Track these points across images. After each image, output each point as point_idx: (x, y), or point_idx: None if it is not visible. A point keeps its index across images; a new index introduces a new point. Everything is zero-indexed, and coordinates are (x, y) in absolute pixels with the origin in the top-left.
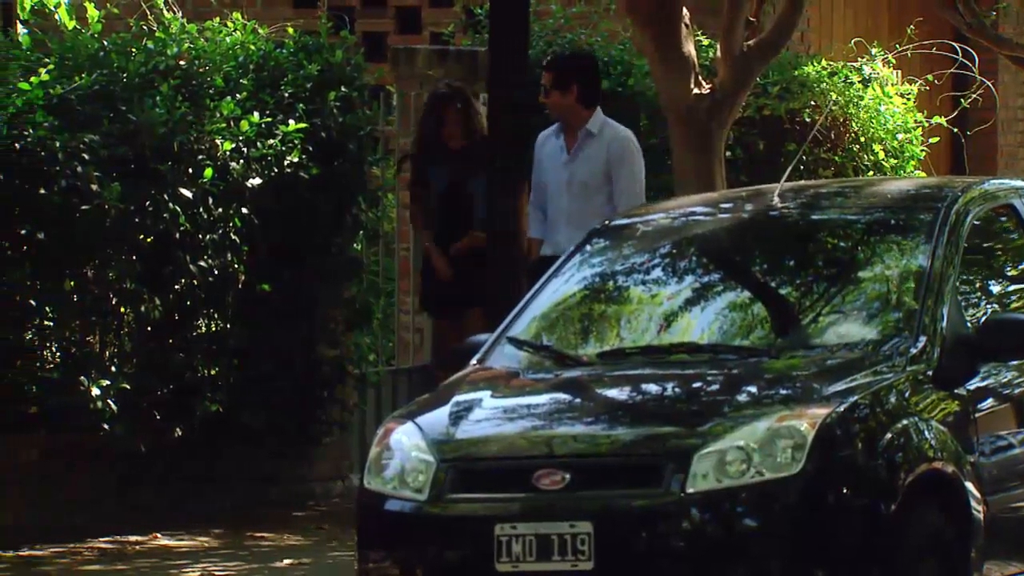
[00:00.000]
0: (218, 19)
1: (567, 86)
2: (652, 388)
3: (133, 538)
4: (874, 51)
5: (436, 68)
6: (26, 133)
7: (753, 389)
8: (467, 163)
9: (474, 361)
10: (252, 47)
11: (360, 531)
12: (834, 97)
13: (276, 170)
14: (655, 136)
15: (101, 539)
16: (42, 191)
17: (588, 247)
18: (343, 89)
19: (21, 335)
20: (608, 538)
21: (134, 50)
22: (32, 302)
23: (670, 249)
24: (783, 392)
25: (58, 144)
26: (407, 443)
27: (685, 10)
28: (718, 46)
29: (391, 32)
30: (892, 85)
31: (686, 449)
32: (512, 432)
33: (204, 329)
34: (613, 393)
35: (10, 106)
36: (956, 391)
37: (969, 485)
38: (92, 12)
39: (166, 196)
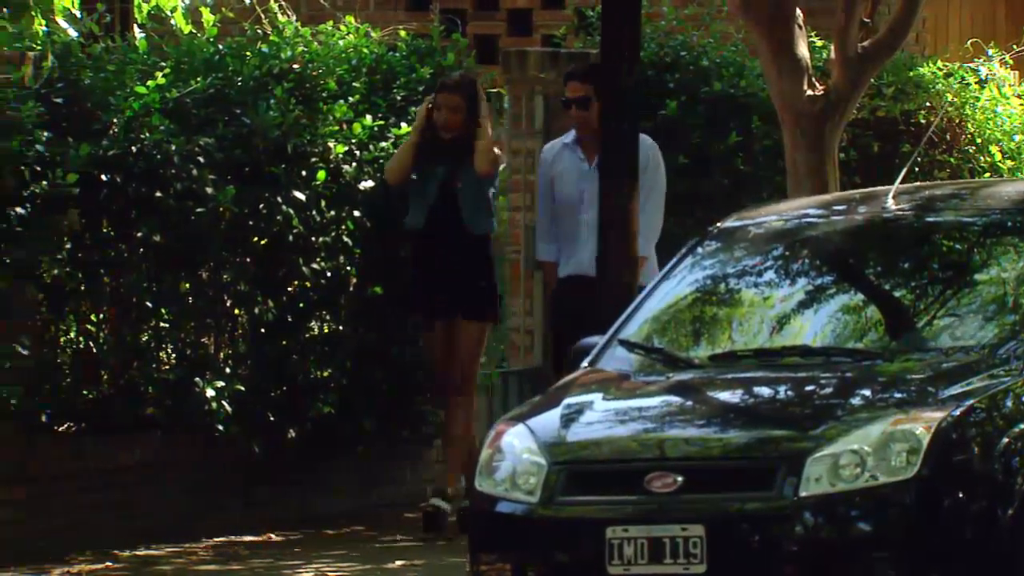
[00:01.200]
0: (331, 22)
1: (599, 97)
2: (764, 391)
3: (247, 538)
4: (991, 51)
5: (548, 71)
6: (143, 137)
7: (867, 392)
8: (460, 156)
9: (585, 363)
10: (365, 50)
11: (472, 533)
12: (949, 98)
13: None
14: (768, 138)
15: (215, 539)
16: (158, 194)
17: (700, 249)
18: None
19: (138, 337)
20: (720, 541)
21: (249, 54)
22: (149, 304)
23: (783, 251)
24: (897, 395)
25: (174, 147)
26: (518, 445)
27: (799, 11)
28: (832, 47)
29: (503, 35)
30: (1009, 86)
31: (799, 452)
32: (624, 435)
33: (317, 331)
34: (725, 396)
35: (127, 110)
36: None
37: None
38: (207, 16)
39: (279, 199)
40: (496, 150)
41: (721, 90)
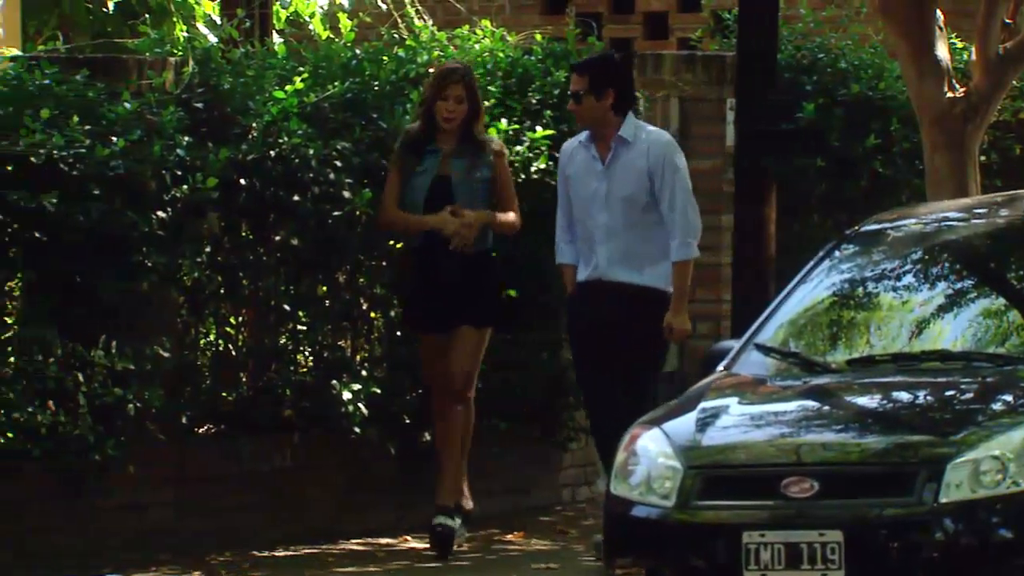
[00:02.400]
0: (467, 26)
1: (603, 91)
2: (903, 396)
3: (383, 540)
4: None
5: (683, 74)
6: (281, 141)
7: (1008, 397)
8: (458, 149)
9: (720, 367)
10: (500, 54)
11: (607, 536)
12: None
13: (523, 176)
14: (908, 141)
15: (352, 541)
16: (296, 198)
17: (837, 253)
18: None
19: (276, 339)
20: (859, 547)
21: (385, 58)
22: (286, 307)
23: (922, 255)
24: None
25: (311, 151)
26: (653, 449)
27: (939, 12)
28: (973, 49)
29: (638, 38)
30: None
31: (939, 458)
32: (760, 439)
33: None
34: (863, 401)
35: (266, 114)
36: None
37: None
38: (345, 22)
39: None
40: (512, 221)
41: (860, 92)
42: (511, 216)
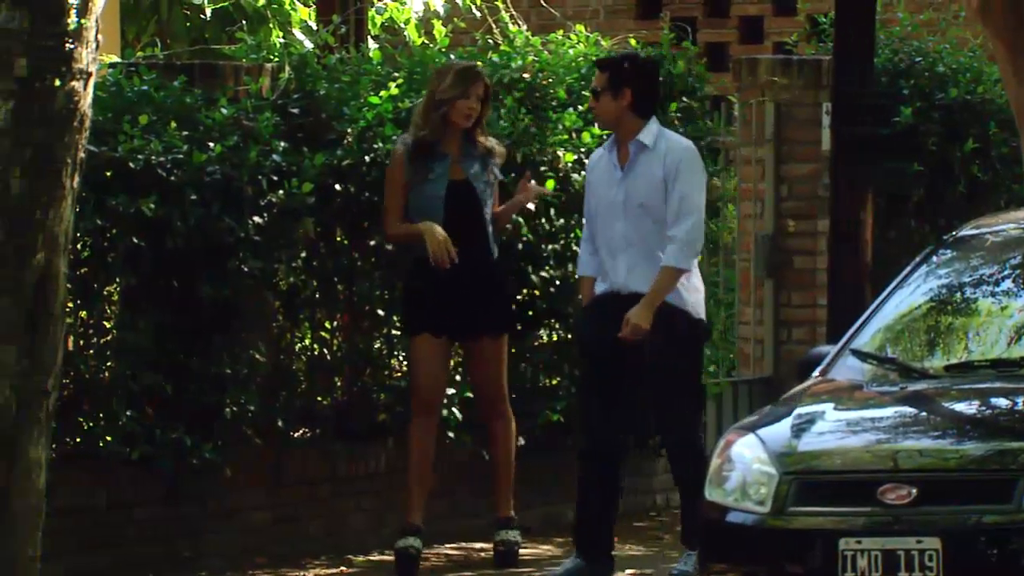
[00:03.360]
0: (561, 31)
1: (619, 90)
2: (1002, 402)
3: (478, 544)
4: None
5: (779, 78)
6: (376, 146)
7: None
8: (468, 152)
9: (816, 373)
10: (595, 59)
11: (701, 542)
12: None
13: None
14: (1006, 145)
15: (448, 545)
16: None
17: (935, 258)
18: (684, 100)
19: (370, 344)
20: (957, 555)
21: (479, 64)
22: (380, 311)
23: (1021, 260)
24: None
25: None
26: (748, 455)
27: None
28: None
29: (733, 42)
30: None
31: None
32: (856, 445)
33: (545, 339)
34: (961, 407)
35: (360, 120)
36: None
37: None
38: (439, 28)
39: None
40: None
41: (957, 96)
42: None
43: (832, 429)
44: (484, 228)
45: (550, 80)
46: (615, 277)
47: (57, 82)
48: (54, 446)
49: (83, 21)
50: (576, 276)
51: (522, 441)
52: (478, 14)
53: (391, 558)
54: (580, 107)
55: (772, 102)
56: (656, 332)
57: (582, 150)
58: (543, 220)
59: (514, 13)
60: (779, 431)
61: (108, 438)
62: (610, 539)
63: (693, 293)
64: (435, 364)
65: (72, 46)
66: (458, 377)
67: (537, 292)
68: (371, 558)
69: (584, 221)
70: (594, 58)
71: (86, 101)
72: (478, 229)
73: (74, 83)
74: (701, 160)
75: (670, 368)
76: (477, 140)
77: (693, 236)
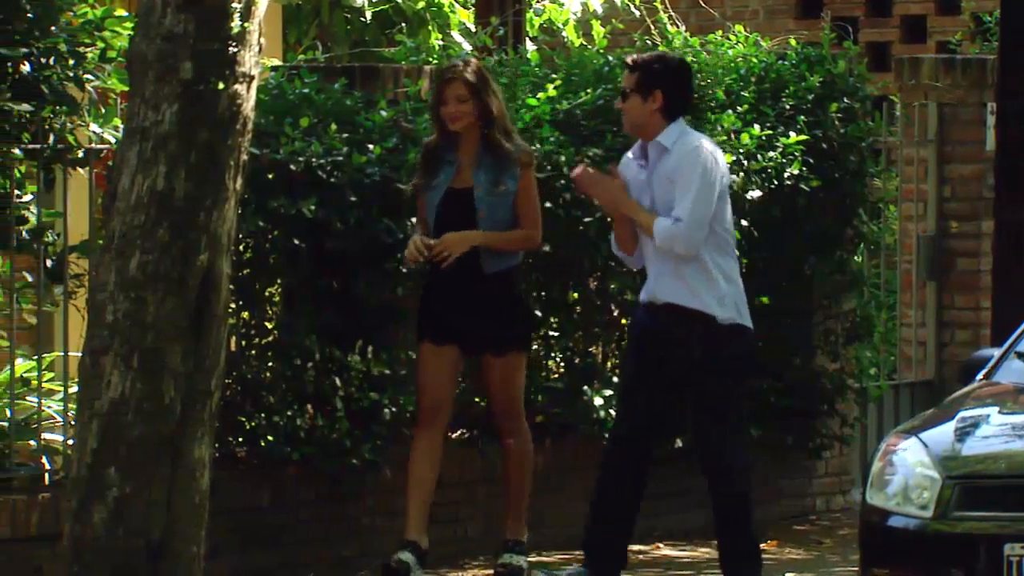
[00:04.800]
0: (720, 32)
1: (650, 91)
2: None
3: (636, 547)
4: None
5: (942, 78)
6: (533, 147)
7: None
8: (479, 159)
9: (980, 376)
10: (754, 59)
11: (863, 547)
12: None
13: (776, 182)
14: None
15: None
16: (548, 204)
17: None
18: (845, 100)
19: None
20: None
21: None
22: (537, 312)
23: None
24: None
25: (563, 158)
26: (911, 459)
27: None
28: None
29: (895, 41)
30: None
31: None
32: (1021, 449)
33: None
34: None
35: (519, 121)
36: None
37: None
38: (598, 29)
39: None
40: (525, 234)
41: None
42: (518, 234)
43: (996, 433)
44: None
45: (708, 81)
46: (649, 285)
47: (221, 85)
48: (217, 446)
49: (246, 25)
50: None
51: (679, 444)
52: (637, 14)
53: (548, 559)
54: (739, 108)
55: (935, 103)
56: (703, 341)
57: (740, 151)
58: None
59: (673, 14)
60: (942, 435)
61: (269, 438)
62: (623, 549)
63: (730, 307)
64: (437, 372)
65: (235, 50)
66: (614, 379)
67: None
68: (528, 558)
69: None
70: (627, 59)
71: (249, 104)
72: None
73: (237, 86)
74: (704, 159)
75: (719, 378)
76: (496, 145)
77: (686, 231)
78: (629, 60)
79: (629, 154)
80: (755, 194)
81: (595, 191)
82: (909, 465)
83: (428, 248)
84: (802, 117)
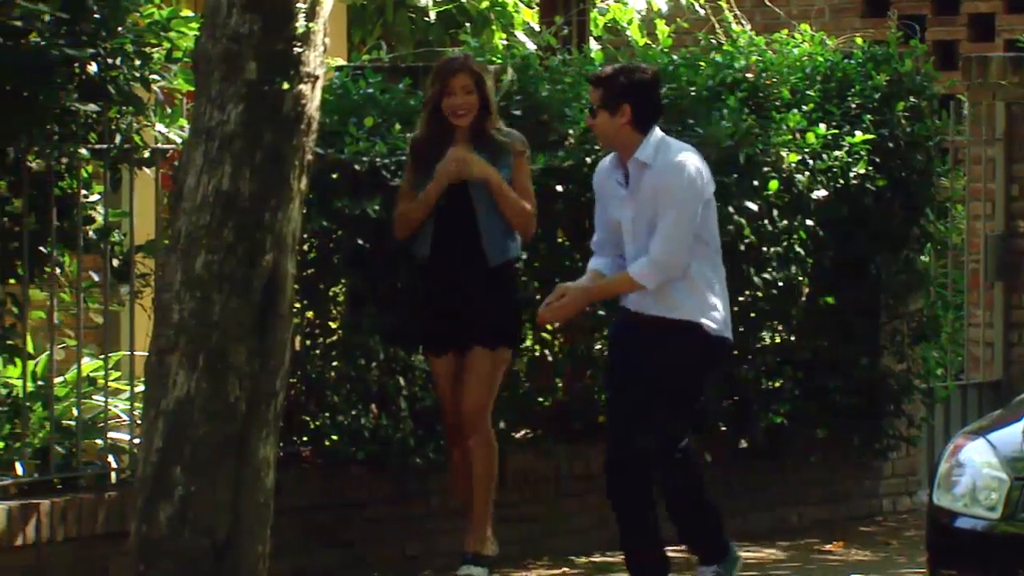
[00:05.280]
0: (786, 31)
1: (617, 106)
2: None
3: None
4: None
5: (1010, 76)
6: (596, 148)
7: None
8: (475, 151)
9: None
10: (819, 58)
11: (930, 548)
12: None
13: (841, 181)
14: None
15: (672, 548)
16: None
17: None
18: (912, 99)
19: (591, 344)
20: None
21: (702, 64)
22: (601, 312)
23: None
24: None
25: None
26: (978, 460)
27: None
28: None
29: (963, 40)
30: None
31: None
32: None
33: (768, 341)
34: None
35: (582, 121)
36: None
37: None
38: (662, 28)
39: (731, 208)
40: (526, 206)
41: None
42: (521, 204)
43: None
44: (478, 235)
45: (774, 80)
46: (628, 300)
47: (286, 85)
48: (281, 445)
49: (311, 25)
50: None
51: (744, 444)
52: (701, 12)
53: (613, 559)
54: (804, 107)
55: (1002, 101)
56: (676, 347)
57: (806, 151)
58: (765, 222)
59: (738, 13)
60: (1010, 435)
61: (334, 437)
62: (662, 560)
63: (710, 311)
64: (447, 388)
65: (300, 50)
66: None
67: (760, 294)
68: (593, 559)
69: (596, 230)
70: (591, 76)
71: (313, 104)
72: (472, 236)
73: (302, 86)
74: (689, 173)
75: (675, 379)
76: (490, 137)
77: (666, 258)
78: (593, 76)
79: (606, 163)
80: (821, 194)
81: (564, 318)
82: (977, 466)
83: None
84: (868, 116)
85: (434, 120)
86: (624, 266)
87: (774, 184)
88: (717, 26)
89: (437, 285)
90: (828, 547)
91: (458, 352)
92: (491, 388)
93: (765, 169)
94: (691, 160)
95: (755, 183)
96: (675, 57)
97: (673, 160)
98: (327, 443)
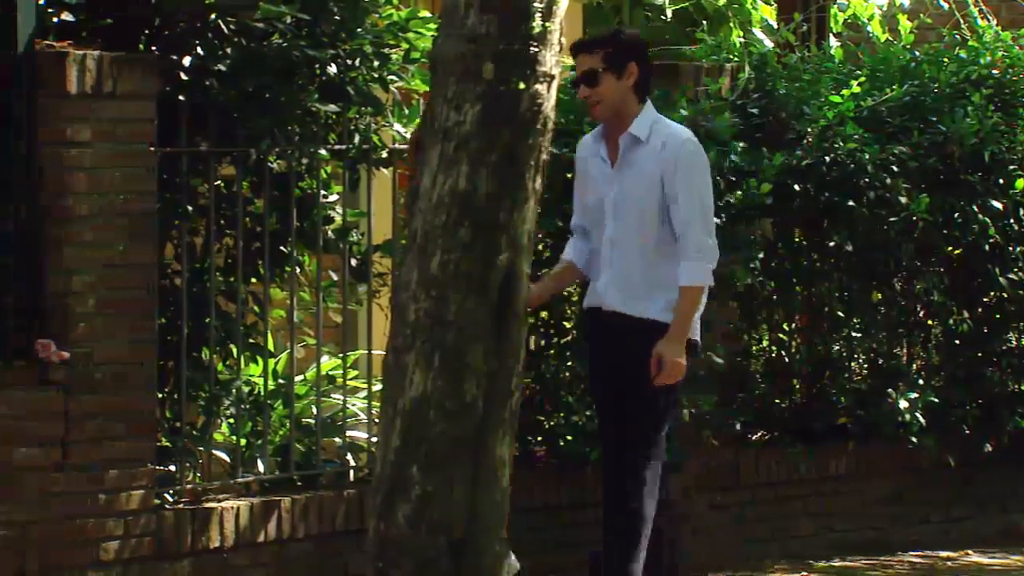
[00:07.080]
0: None
1: (624, 66)
2: None
3: (944, 554)
4: None
5: None
6: (836, 146)
7: None
8: None
9: None
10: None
11: None
12: None
13: None
14: None
15: (911, 553)
16: (851, 203)
17: None
18: None
19: (829, 346)
20: None
21: (946, 60)
22: (840, 313)
23: None
24: None
25: (867, 156)
26: None
27: None
28: None
29: None
30: None
31: None
32: None
33: (1013, 343)
34: None
35: (821, 119)
36: None
37: None
38: (904, 23)
39: (975, 207)
40: None
41: None
42: None
43: None
44: None
45: (1020, 76)
46: (596, 289)
47: (522, 85)
48: (516, 444)
49: (547, 24)
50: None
51: (988, 448)
52: (945, 7)
53: (852, 564)
54: None
55: None
56: (637, 349)
57: None
58: (1011, 221)
59: (983, 8)
60: None
61: (568, 437)
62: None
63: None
64: None
65: (536, 49)
66: (920, 381)
67: (1005, 295)
68: (832, 564)
69: (575, 212)
70: (582, 41)
71: (549, 104)
72: None
73: (538, 86)
74: (703, 152)
75: (653, 393)
76: None
77: (703, 247)
78: (585, 40)
79: (588, 139)
80: None
81: (680, 376)
82: None
83: None
84: None
85: None
86: (589, 254)
87: (1020, 183)
88: (961, 21)
89: None
90: None
91: None
92: None
93: (1011, 167)
94: (694, 138)
95: (1000, 181)
96: (917, 53)
97: (680, 136)
98: (561, 443)
